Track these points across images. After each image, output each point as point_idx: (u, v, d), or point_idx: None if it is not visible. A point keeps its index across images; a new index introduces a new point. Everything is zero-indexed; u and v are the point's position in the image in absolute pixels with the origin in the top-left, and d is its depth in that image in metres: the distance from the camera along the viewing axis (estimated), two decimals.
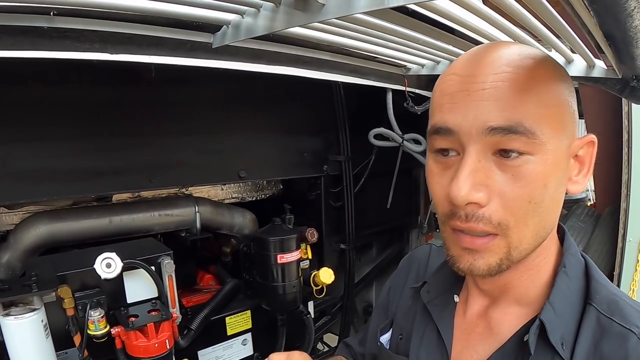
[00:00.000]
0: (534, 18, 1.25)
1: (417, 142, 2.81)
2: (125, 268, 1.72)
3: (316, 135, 2.70)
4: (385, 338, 1.27)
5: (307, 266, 2.53)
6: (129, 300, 1.86)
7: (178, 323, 1.93)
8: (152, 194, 2.26)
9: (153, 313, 1.81)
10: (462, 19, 1.30)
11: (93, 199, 2.10)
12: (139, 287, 1.87)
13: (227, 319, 2.31)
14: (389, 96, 2.58)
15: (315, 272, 2.49)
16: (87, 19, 1.31)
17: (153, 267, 1.84)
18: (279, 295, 2.26)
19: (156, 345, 1.74)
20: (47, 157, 1.78)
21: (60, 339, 1.69)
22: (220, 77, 1.73)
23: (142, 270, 1.81)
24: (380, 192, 3.01)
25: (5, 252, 1.85)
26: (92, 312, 1.68)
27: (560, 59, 1.64)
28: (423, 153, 2.84)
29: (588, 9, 0.76)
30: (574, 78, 1.70)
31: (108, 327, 1.71)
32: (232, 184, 2.59)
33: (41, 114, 1.75)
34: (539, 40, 1.53)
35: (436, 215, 2.97)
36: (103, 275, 1.64)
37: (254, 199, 2.75)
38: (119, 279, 1.75)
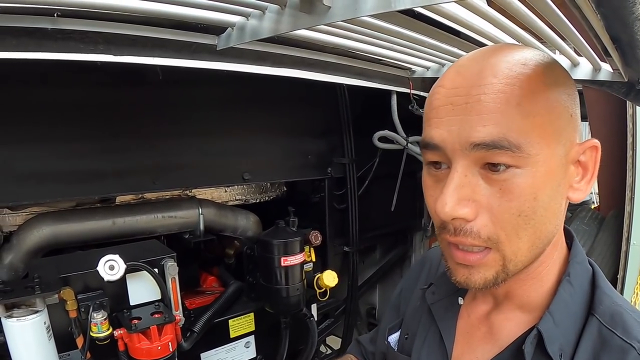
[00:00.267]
0: (540, 20, 1.25)
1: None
2: (129, 270, 1.71)
3: (320, 138, 2.70)
4: (393, 338, 1.28)
5: (310, 269, 2.53)
6: (132, 303, 1.85)
7: (181, 325, 1.93)
8: (156, 195, 2.25)
9: (156, 315, 1.80)
10: (468, 21, 1.30)
11: (96, 201, 2.10)
12: (142, 289, 1.87)
13: (230, 321, 2.31)
14: (394, 99, 2.58)
15: (319, 274, 2.49)
16: (91, 20, 1.30)
17: (156, 270, 1.83)
18: (283, 298, 2.25)
19: (159, 347, 1.73)
20: (50, 158, 1.77)
21: (63, 341, 1.68)
22: (224, 79, 1.73)
23: (145, 272, 1.80)
24: (384, 194, 3.00)
25: (8, 253, 1.85)
26: (95, 314, 1.67)
27: (565, 62, 1.64)
28: None
29: (595, 12, 0.76)
30: (580, 81, 1.70)
31: (111, 330, 1.70)
32: (236, 186, 2.59)
33: (45, 116, 1.75)
34: (544, 43, 1.52)
35: None
36: (106, 278, 1.64)
37: (257, 201, 2.75)
38: (122, 281, 1.75)
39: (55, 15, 1.23)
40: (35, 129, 1.73)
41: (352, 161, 2.80)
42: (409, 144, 2.73)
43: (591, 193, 4.40)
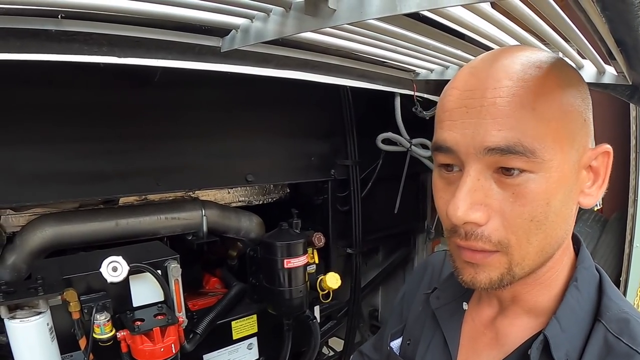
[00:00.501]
0: (544, 23, 1.25)
1: (425, 146, 2.80)
2: (132, 272, 1.71)
3: (324, 140, 2.70)
4: (396, 343, 1.27)
5: (313, 271, 2.53)
6: (135, 304, 1.85)
7: (184, 327, 1.93)
8: (159, 197, 2.25)
9: (159, 317, 1.80)
10: (472, 24, 1.30)
11: (99, 202, 2.10)
12: (145, 291, 1.87)
13: (233, 323, 2.30)
14: (397, 101, 2.58)
15: (322, 276, 2.49)
16: (95, 22, 1.31)
17: (159, 271, 1.83)
18: (286, 300, 2.25)
19: (162, 349, 1.73)
20: (54, 159, 1.77)
21: (66, 342, 1.68)
22: (228, 80, 1.73)
23: (148, 273, 1.80)
24: (387, 196, 3.00)
25: (11, 254, 1.85)
26: (98, 316, 1.67)
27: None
28: (431, 158, 2.83)
29: (600, 16, 0.76)
30: None
31: (114, 331, 1.70)
32: (239, 188, 2.59)
33: (48, 117, 1.75)
34: (548, 46, 1.52)
35: None
36: (109, 279, 1.64)
37: (260, 202, 2.74)
38: (125, 282, 1.75)
39: (59, 17, 1.24)
40: (39, 130, 1.73)
41: (355, 163, 2.80)
42: (412, 146, 2.73)
43: None
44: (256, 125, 2.37)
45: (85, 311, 1.68)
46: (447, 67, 2.04)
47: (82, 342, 1.68)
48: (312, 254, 2.54)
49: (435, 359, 1.11)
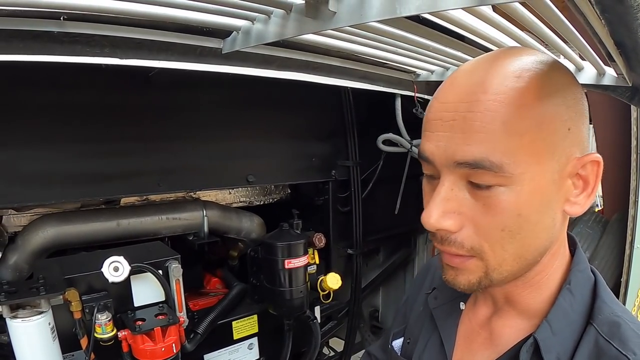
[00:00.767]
0: (544, 25, 1.25)
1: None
2: (133, 272, 1.72)
3: (324, 141, 2.70)
4: (397, 343, 1.29)
5: (314, 271, 2.53)
6: (136, 304, 1.86)
7: (185, 327, 1.93)
8: (160, 197, 2.26)
9: (160, 317, 1.80)
10: (472, 26, 1.30)
11: (101, 202, 2.11)
12: (146, 291, 1.87)
13: (233, 323, 2.31)
14: (398, 102, 2.58)
15: (323, 277, 2.49)
16: (97, 24, 1.31)
17: (160, 271, 1.84)
18: (286, 300, 2.25)
19: (163, 349, 1.74)
20: (55, 160, 1.78)
21: (67, 342, 1.69)
22: (229, 82, 1.74)
23: (149, 273, 1.81)
24: (388, 197, 3.00)
25: (13, 253, 1.86)
26: (99, 316, 1.68)
27: (570, 67, 1.64)
28: None
29: (600, 18, 0.76)
30: (584, 86, 1.70)
31: (115, 331, 1.71)
32: (240, 188, 2.60)
33: (50, 118, 1.75)
34: (548, 48, 1.53)
35: None
36: (111, 279, 1.64)
37: (261, 203, 2.75)
38: (127, 282, 1.76)
39: (61, 18, 1.24)
40: (41, 131, 1.74)
41: (356, 164, 2.80)
42: (413, 147, 2.74)
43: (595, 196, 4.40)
44: (257, 126, 2.38)
45: (87, 311, 1.68)
46: (447, 69, 2.05)
47: (84, 342, 1.69)
48: (313, 254, 2.55)
49: (431, 358, 1.12)
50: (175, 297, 1.90)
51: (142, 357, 1.74)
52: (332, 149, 2.74)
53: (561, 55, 1.56)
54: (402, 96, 2.52)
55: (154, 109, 2.00)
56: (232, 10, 1.24)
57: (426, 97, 2.49)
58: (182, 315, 1.91)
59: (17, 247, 1.87)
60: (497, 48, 1.59)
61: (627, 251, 3.01)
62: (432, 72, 2.16)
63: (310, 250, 2.48)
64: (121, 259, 1.66)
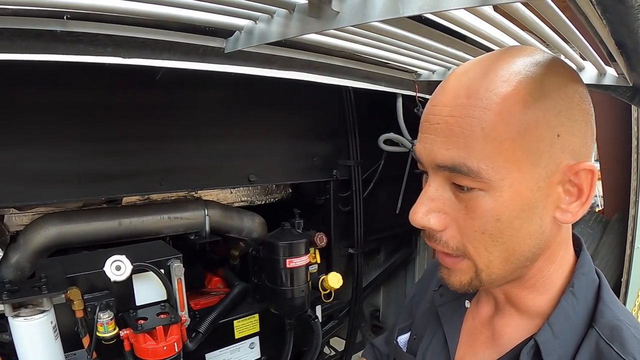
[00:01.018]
0: (545, 25, 1.25)
1: None
2: (135, 271, 1.72)
3: (326, 140, 2.70)
4: (402, 338, 1.30)
5: (315, 270, 2.54)
6: (138, 303, 1.86)
7: (186, 326, 1.93)
8: (162, 196, 2.26)
9: (162, 316, 1.81)
10: (474, 26, 1.31)
11: (103, 202, 2.11)
12: (148, 290, 1.88)
13: (235, 322, 2.32)
14: (399, 101, 2.58)
15: (324, 276, 2.50)
16: (100, 23, 1.31)
17: (162, 270, 1.84)
18: (288, 300, 2.26)
19: (165, 348, 1.74)
20: (57, 159, 1.78)
21: (69, 341, 1.69)
22: (231, 81, 1.73)
23: (151, 273, 1.81)
24: (389, 197, 3.00)
25: (15, 253, 1.86)
26: (101, 314, 1.68)
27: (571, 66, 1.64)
28: None
29: (601, 18, 0.76)
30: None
31: (117, 330, 1.71)
32: (242, 188, 2.60)
33: (52, 117, 1.76)
34: (549, 47, 1.53)
35: None
36: (113, 278, 1.65)
37: (263, 202, 2.75)
38: (129, 281, 1.76)
39: (64, 17, 1.24)
40: (43, 130, 1.74)
41: (357, 163, 2.80)
42: (414, 147, 2.74)
43: (595, 196, 4.40)
44: (259, 125, 2.38)
45: (89, 310, 1.69)
46: (448, 69, 2.05)
47: (85, 341, 1.69)
48: (314, 253, 2.55)
49: (435, 355, 1.13)
50: (177, 296, 1.90)
51: (144, 356, 1.74)
52: (333, 149, 2.74)
53: (562, 55, 1.56)
54: (404, 96, 2.52)
55: (156, 108, 2.00)
56: (235, 10, 1.24)
57: (427, 96, 2.49)
58: (184, 314, 1.92)
59: (18, 246, 1.87)
60: (498, 48, 1.60)
61: (628, 251, 3.02)
62: (433, 71, 2.16)
63: (312, 250, 2.49)
64: (123, 258, 1.66)
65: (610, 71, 1.63)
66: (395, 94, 2.47)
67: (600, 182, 3.47)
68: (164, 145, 2.04)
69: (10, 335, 1.55)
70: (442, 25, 1.34)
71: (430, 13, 1.02)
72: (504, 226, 0.81)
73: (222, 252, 2.70)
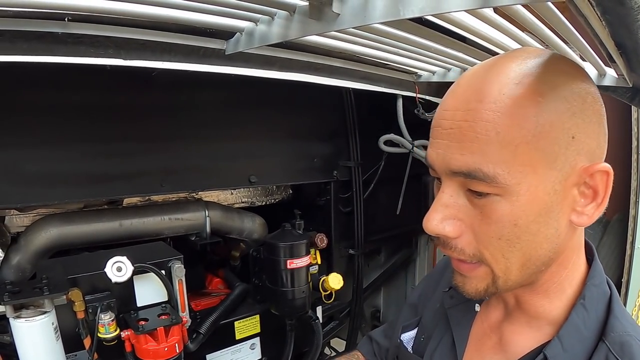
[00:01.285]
0: (545, 27, 1.25)
1: (427, 148, 2.81)
2: (136, 272, 1.73)
3: (326, 141, 2.70)
4: (406, 336, 1.29)
5: (316, 271, 2.53)
6: (139, 304, 1.86)
7: (187, 327, 1.94)
8: (162, 198, 2.26)
9: (163, 317, 1.81)
10: (474, 27, 1.31)
11: (104, 203, 2.11)
12: (149, 291, 1.88)
13: (235, 323, 2.32)
14: (399, 102, 2.58)
15: (324, 277, 2.49)
16: (101, 25, 1.31)
17: (163, 271, 1.84)
18: (288, 300, 2.26)
19: (166, 349, 1.74)
20: (58, 160, 1.79)
21: (70, 342, 1.69)
22: (231, 82, 1.73)
23: (152, 274, 1.82)
24: (389, 198, 3.00)
25: (16, 253, 1.86)
26: (102, 316, 1.68)
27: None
28: None
29: (600, 19, 0.76)
30: None
31: (118, 331, 1.71)
32: (242, 189, 2.60)
33: (53, 118, 1.76)
34: (549, 49, 1.53)
35: None
36: (114, 279, 1.65)
37: (263, 203, 2.75)
38: (129, 282, 1.76)
39: (65, 19, 1.24)
40: (44, 131, 1.75)
41: (357, 164, 2.80)
42: (414, 148, 2.74)
43: None
44: (259, 126, 2.38)
45: (90, 311, 1.69)
46: (449, 70, 2.05)
47: (87, 342, 1.69)
48: (315, 254, 2.55)
49: (442, 358, 1.13)
50: (178, 297, 1.90)
51: (145, 357, 1.74)
52: (333, 150, 2.74)
53: None
54: (404, 97, 2.52)
55: (156, 109, 2.01)
56: (236, 12, 1.24)
57: (428, 97, 2.49)
58: (185, 315, 1.92)
59: (19, 247, 1.87)
60: (498, 49, 1.60)
61: (628, 251, 3.01)
62: (433, 73, 2.16)
63: (312, 251, 2.49)
64: (124, 259, 1.66)
65: (610, 72, 1.63)
66: (395, 95, 2.48)
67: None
68: (165, 146, 2.04)
69: (12, 336, 1.55)
70: (442, 26, 1.34)
71: (431, 15, 1.02)
72: (521, 231, 0.80)
73: (222, 253, 2.70)
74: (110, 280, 1.65)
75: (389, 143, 2.75)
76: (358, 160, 2.80)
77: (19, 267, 1.86)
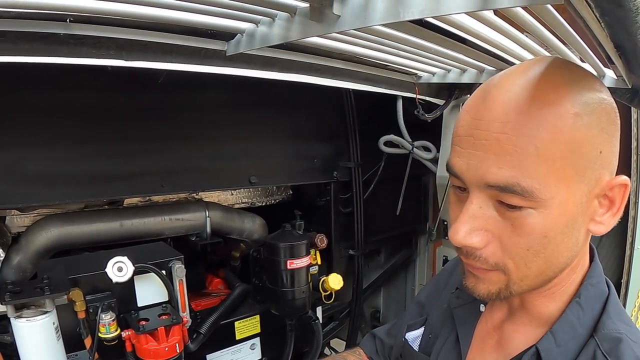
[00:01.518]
0: (544, 28, 1.26)
1: (427, 149, 2.82)
2: (137, 272, 1.73)
3: (326, 142, 2.71)
4: (412, 335, 1.30)
5: (316, 272, 2.53)
6: (140, 304, 1.87)
7: (188, 327, 1.94)
8: (163, 198, 2.27)
9: (163, 317, 1.81)
10: (474, 29, 1.31)
11: (104, 203, 2.12)
12: (150, 291, 1.88)
13: (236, 323, 2.32)
14: (399, 103, 2.58)
15: (324, 277, 2.49)
16: (103, 26, 1.32)
17: (164, 271, 1.85)
18: (288, 301, 2.26)
19: (166, 349, 1.75)
20: (59, 160, 1.79)
21: (71, 342, 1.70)
22: (232, 83, 1.74)
23: (152, 274, 1.82)
24: (389, 198, 3.01)
25: (17, 254, 1.87)
26: (103, 315, 1.69)
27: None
28: (433, 160, 2.85)
29: (599, 21, 0.77)
30: None
31: (119, 331, 1.72)
32: (242, 189, 2.60)
33: (55, 119, 1.77)
34: (549, 50, 1.54)
35: (445, 223, 2.97)
36: (115, 279, 1.65)
37: (263, 204, 2.75)
38: (130, 282, 1.77)
39: (67, 20, 1.25)
40: (45, 132, 1.75)
41: (357, 165, 2.81)
42: (414, 149, 2.75)
43: None
44: (260, 127, 2.39)
45: (91, 311, 1.69)
46: (448, 71, 2.05)
47: (87, 342, 1.70)
48: (315, 255, 2.55)
49: (446, 356, 1.14)
50: (179, 297, 1.91)
51: (145, 357, 1.75)
52: (334, 150, 2.75)
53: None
54: (404, 98, 2.52)
55: (157, 110, 2.01)
56: (237, 13, 1.25)
57: (427, 98, 2.50)
58: (185, 315, 1.92)
59: (20, 247, 1.88)
60: (498, 50, 1.60)
61: (628, 252, 3.01)
62: (433, 74, 2.16)
63: (312, 251, 2.49)
64: (125, 259, 1.67)
65: (609, 73, 1.63)
66: (395, 96, 2.48)
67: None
68: (166, 146, 2.05)
69: (12, 336, 1.56)
70: (442, 28, 1.35)
71: (431, 17, 1.02)
72: (548, 242, 0.81)
73: (223, 254, 2.70)
74: (111, 280, 1.66)
75: (389, 144, 2.75)
76: (358, 161, 2.81)
77: (19, 267, 1.86)
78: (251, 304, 2.45)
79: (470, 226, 0.83)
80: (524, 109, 0.76)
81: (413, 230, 3.43)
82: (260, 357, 2.44)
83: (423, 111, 2.49)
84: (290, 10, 1.17)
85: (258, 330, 2.41)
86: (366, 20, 0.99)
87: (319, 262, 2.59)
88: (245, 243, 2.57)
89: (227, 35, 1.48)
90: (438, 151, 2.82)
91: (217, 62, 1.58)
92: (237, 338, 2.34)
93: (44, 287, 1.56)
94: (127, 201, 2.16)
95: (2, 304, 1.51)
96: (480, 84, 1.75)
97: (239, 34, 1.45)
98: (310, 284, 2.36)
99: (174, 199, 2.31)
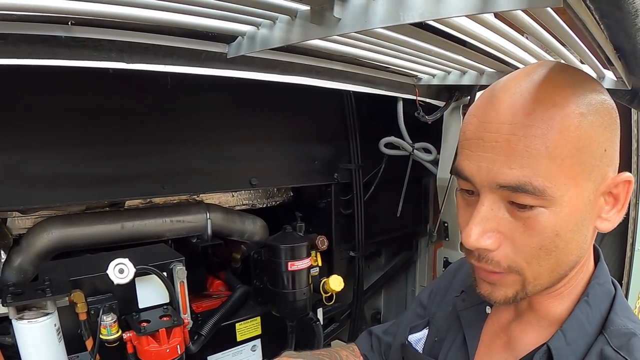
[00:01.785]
0: (544, 30, 1.26)
1: (427, 151, 2.82)
2: (138, 274, 1.73)
3: (327, 144, 2.71)
4: (414, 337, 1.29)
5: (316, 273, 2.54)
6: (141, 306, 1.87)
7: (189, 329, 1.94)
8: (164, 200, 2.27)
9: (165, 318, 1.82)
10: (474, 31, 1.31)
11: (105, 205, 2.12)
12: (151, 293, 1.88)
13: (237, 325, 2.32)
14: (400, 105, 2.59)
15: (325, 279, 2.50)
16: (104, 28, 1.32)
17: (165, 273, 1.85)
18: (289, 302, 2.26)
19: (167, 350, 1.75)
20: (61, 162, 1.79)
21: (72, 343, 1.70)
22: (233, 85, 1.75)
23: (154, 276, 1.82)
24: (390, 200, 3.01)
25: (18, 255, 1.87)
26: (104, 317, 1.69)
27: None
28: (433, 162, 2.85)
29: (598, 24, 0.77)
30: None
31: (120, 332, 1.72)
32: (243, 191, 2.61)
33: (56, 121, 1.77)
34: (548, 52, 1.54)
35: (445, 224, 2.97)
36: (116, 281, 1.66)
37: (264, 205, 2.76)
38: (131, 284, 1.76)
39: (69, 23, 1.25)
40: (46, 134, 1.76)
41: (358, 167, 2.81)
42: (414, 150, 2.75)
43: None
44: (261, 129, 2.39)
45: (92, 312, 1.69)
46: (448, 73, 2.06)
47: (89, 343, 1.70)
48: (316, 256, 2.55)
49: (455, 358, 1.14)
50: (180, 299, 1.91)
51: (146, 359, 1.75)
52: (334, 152, 2.75)
53: (561, 60, 1.57)
54: (404, 99, 2.53)
55: (158, 112, 2.01)
56: (238, 16, 1.25)
57: (428, 100, 2.50)
58: (187, 317, 1.92)
59: (21, 249, 1.88)
60: (497, 52, 1.61)
61: (628, 253, 3.01)
62: (433, 76, 2.17)
63: (313, 253, 2.49)
64: (126, 261, 1.67)
65: (609, 74, 1.64)
66: (395, 97, 2.48)
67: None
68: (167, 148, 2.05)
69: (14, 337, 1.56)
70: (442, 30, 1.35)
71: (431, 20, 1.02)
72: (559, 240, 0.81)
73: (223, 255, 2.71)
74: (113, 282, 1.66)
75: (389, 145, 2.76)
76: (358, 163, 2.81)
77: (21, 268, 1.86)
78: (252, 306, 2.45)
79: (483, 228, 0.83)
80: (531, 110, 0.77)
81: (413, 232, 3.43)
82: (261, 359, 2.44)
83: (423, 113, 2.49)
84: (291, 13, 1.17)
85: (259, 331, 2.41)
86: (366, 23, 1.00)
87: (320, 264, 2.59)
88: (246, 245, 2.57)
89: (228, 37, 1.49)
90: (438, 153, 2.82)
91: (218, 64, 1.59)
92: (238, 339, 2.34)
93: (46, 288, 1.56)
94: (128, 203, 2.17)
95: (3, 306, 1.51)
96: (480, 85, 1.76)
97: (239, 37, 1.45)
98: (311, 285, 2.36)
99: (175, 201, 2.32)
